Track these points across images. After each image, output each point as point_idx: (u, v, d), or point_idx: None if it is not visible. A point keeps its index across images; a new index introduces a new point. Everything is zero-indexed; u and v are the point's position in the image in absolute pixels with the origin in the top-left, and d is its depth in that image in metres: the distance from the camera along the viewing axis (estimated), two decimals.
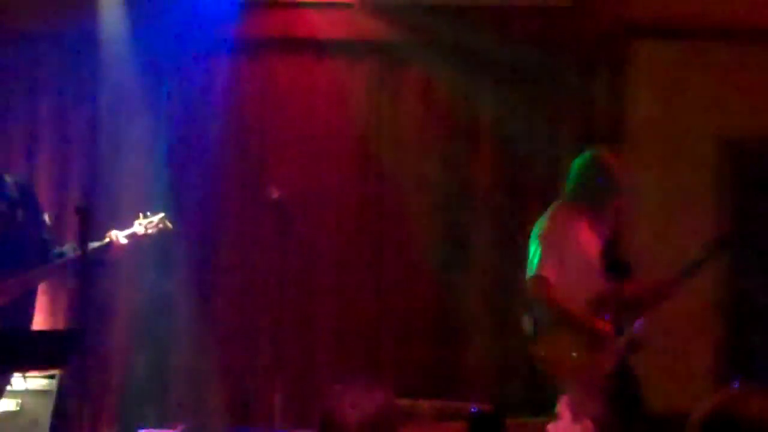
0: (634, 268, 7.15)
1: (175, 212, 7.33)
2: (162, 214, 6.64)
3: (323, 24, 9.00)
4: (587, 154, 7.29)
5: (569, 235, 7.18)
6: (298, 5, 8.96)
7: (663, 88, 8.67)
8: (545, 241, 7.13)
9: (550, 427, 5.09)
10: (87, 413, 6.55)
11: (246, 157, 8.94)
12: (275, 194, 7.37)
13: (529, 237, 7.14)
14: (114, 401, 8.05)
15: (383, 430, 4.05)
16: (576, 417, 5.03)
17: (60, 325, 7.77)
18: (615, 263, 7.17)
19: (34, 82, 8.76)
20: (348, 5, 8.98)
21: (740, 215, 8.72)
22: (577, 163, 7.25)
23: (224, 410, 8.23)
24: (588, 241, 7.20)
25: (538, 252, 7.06)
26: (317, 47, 9.06)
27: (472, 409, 6.88)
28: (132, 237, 6.46)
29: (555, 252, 7.08)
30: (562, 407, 5.08)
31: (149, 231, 6.52)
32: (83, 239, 5.97)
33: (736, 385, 7.67)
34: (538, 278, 7.01)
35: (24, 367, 6.32)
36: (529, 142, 8.80)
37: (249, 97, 9.07)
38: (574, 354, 6.83)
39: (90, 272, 6.29)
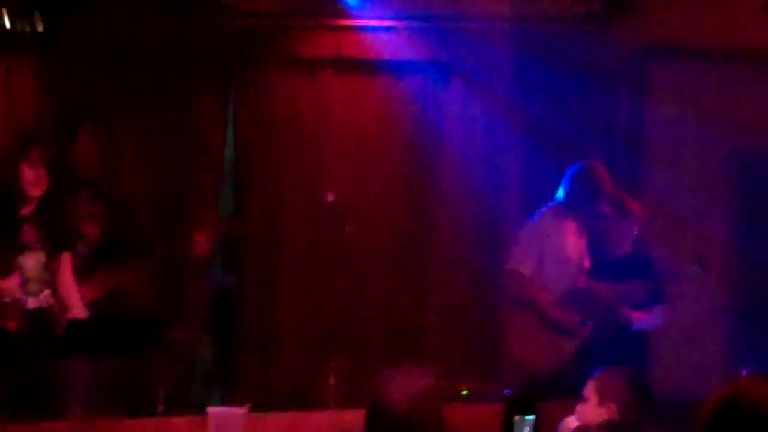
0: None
1: (242, 211, 7.42)
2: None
3: (371, 45, 9.06)
4: (579, 164, 7.44)
5: (551, 234, 7.36)
6: (349, 29, 9.01)
7: (679, 102, 8.63)
8: (526, 237, 7.37)
9: (578, 407, 5.11)
10: (161, 395, 6.58)
11: (306, 164, 8.93)
12: (330, 197, 7.52)
13: None
14: (185, 384, 8.11)
15: (427, 410, 4.18)
16: (602, 400, 5.06)
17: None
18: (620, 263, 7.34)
19: None
20: (393, 29, 9.05)
21: (749, 221, 8.74)
22: (569, 172, 7.40)
23: (285, 391, 8.25)
24: (570, 241, 7.37)
25: (520, 246, 7.35)
26: (366, 66, 9.13)
27: (506, 392, 6.96)
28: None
29: (534, 249, 7.30)
30: (590, 390, 5.11)
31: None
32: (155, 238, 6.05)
33: (744, 373, 7.78)
34: (513, 272, 7.30)
35: (109, 354, 6.39)
36: (556, 152, 8.66)
37: (308, 111, 9.07)
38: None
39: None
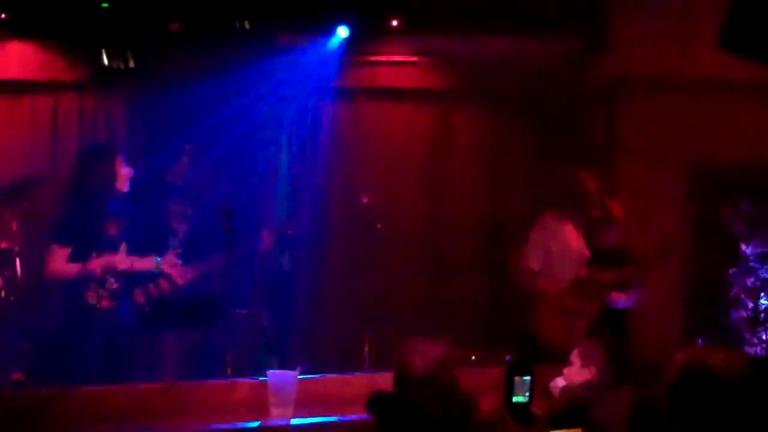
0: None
1: (296, 212, 7.44)
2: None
3: (396, 77, 9.09)
4: (571, 174, 7.42)
5: (555, 234, 7.37)
6: (378, 63, 9.06)
7: (646, 125, 8.62)
8: (534, 239, 7.37)
9: (565, 370, 5.11)
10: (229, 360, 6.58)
11: (344, 172, 8.98)
12: (365, 200, 7.52)
13: None
14: (249, 351, 8.05)
15: (443, 372, 4.21)
16: (584, 363, 5.06)
17: None
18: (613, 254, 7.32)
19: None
20: (414, 63, 9.06)
21: (703, 222, 8.78)
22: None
23: (329, 356, 8.30)
24: (571, 239, 7.37)
25: (530, 247, 7.35)
26: (392, 94, 9.16)
27: (507, 358, 6.95)
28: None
29: (541, 248, 7.31)
30: (574, 356, 5.11)
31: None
32: (229, 234, 6.03)
33: (699, 342, 7.78)
34: (525, 269, 7.32)
35: (182, 327, 6.41)
36: (546, 163, 8.68)
37: (345, 129, 9.12)
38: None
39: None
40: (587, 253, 7.40)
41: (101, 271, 5.89)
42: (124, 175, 6.07)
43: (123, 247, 6.00)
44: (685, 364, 2.71)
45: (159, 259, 6.22)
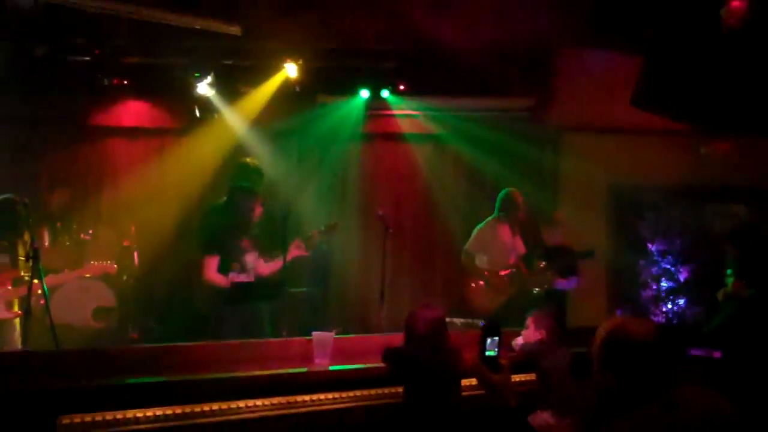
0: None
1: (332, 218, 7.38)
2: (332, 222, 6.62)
3: (403, 125, 9.09)
4: (504, 190, 7.43)
5: (492, 234, 7.32)
6: (390, 116, 9.04)
7: (581, 158, 8.57)
8: (477, 234, 7.36)
9: (523, 332, 5.08)
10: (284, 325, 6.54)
11: (365, 192, 8.97)
12: (380, 212, 7.48)
13: None
14: (298, 317, 8.02)
15: (438, 333, 4.20)
16: (536, 327, 5.02)
17: None
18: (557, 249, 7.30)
19: None
20: (416, 115, 9.03)
21: (620, 227, 8.78)
22: (499, 195, 7.41)
23: (356, 321, 8.23)
24: (506, 238, 7.29)
25: (471, 240, 7.33)
26: (400, 138, 9.14)
27: (481, 323, 6.92)
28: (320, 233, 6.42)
29: (479, 242, 7.31)
30: (529, 321, 5.07)
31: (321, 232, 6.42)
32: (283, 237, 6.12)
33: (619, 312, 7.69)
34: (465, 252, 7.34)
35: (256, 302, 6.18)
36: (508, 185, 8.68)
37: (367, 162, 9.13)
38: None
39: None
40: (522, 249, 7.34)
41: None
42: (259, 210, 6.07)
43: (252, 254, 5.98)
44: (610, 328, 2.68)
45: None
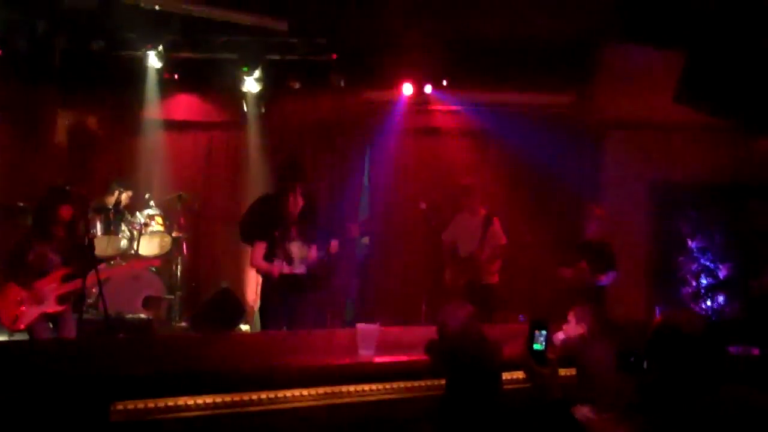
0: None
1: (375, 213, 7.38)
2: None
3: (445, 120, 9.07)
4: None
5: (459, 225, 7.32)
6: (432, 111, 9.03)
7: (622, 154, 8.51)
8: (450, 224, 7.35)
9: (564, 326, 5.00)
10: (329, 316, 6.52)
11: (408, 185, 8.91)
12: (423, 206, 7.46)
13: None
14: (341, 308, 8.03)
15: (473, 328, 4.15)
16: (577, 321, 4.94)
17: None
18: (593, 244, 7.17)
19: None
20: (457, 111, 8.99)
21: (661, 223, 8.66)
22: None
23: (397, 315, 8.02)
24: (473, 228, 7.22)
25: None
26: (442, 132, 9.12)
27: (521, 318, 6.83)
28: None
29: (450, 229, 7.31)
30: (570, 316, 4.99)
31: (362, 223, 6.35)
32: (326, 229, 6.04)
33: (658, 309, 7.51)
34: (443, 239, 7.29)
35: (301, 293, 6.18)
36: (549, 188, 8.69)
37: (409, 156, 9.10)
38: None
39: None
40: (502, 240, 7.28)
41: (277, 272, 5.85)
42: (295, 201, 6.03)
43: (296, 243, 5.96)
44: (661, 322, 2.66)
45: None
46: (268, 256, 5.86)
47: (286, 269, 5.85)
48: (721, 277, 8.50)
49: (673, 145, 8.35)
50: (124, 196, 8.15)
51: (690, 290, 8.59)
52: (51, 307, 5.83)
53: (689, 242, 8.61)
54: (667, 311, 2.75)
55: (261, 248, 5.85)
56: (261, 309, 5.94)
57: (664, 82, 6.80)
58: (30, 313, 5.77)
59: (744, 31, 5.95)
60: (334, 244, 6.08)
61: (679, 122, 7.86)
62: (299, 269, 5.90)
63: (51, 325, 5.93)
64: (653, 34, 7.50)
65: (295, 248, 6.04)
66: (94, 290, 6.76)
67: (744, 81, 6.15)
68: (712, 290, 8.52)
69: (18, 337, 6.53)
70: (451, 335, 4.05)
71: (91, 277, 5.83)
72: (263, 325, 5.68)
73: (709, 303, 8.49)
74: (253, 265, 5.94)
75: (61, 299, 5.84)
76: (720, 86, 6.32)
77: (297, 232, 6.01)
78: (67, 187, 6.24)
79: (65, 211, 5.89)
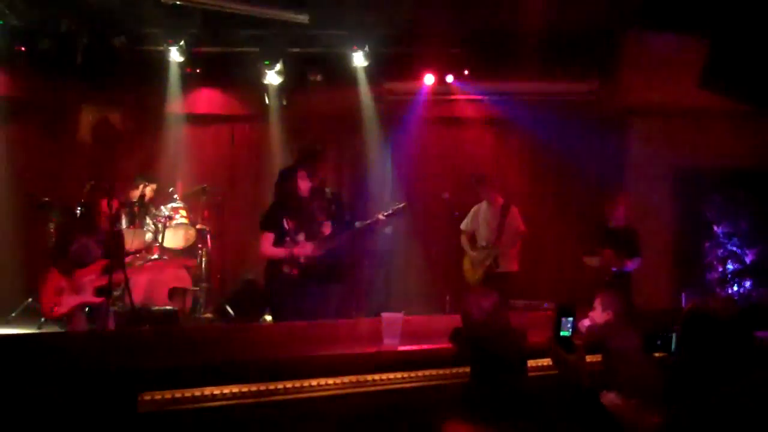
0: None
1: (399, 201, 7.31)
2: (400, 204, 6.36)
3: (467, 110, 9.06)
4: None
5: (478, 214, 7.34)
6: (454, 101, 8.98)
7: (647, 141, 8.44)
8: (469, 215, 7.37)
9: (590, 313, 4.96)
10: (354, 306, 6.51)
11: (431, 175, 8.88)
12: (446, 195, 7.44)
13: None
14: (364, 298, 8.07)
15: (495, 316, 4.10)
16: (603, 308, 4.90)
17: None
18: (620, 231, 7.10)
19: None
20: (479, 100, 8.95)
21: (687, 209, 8.58)
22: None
23: (423, 302, 8.02)
24: (491, 216, 7.25)
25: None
26: (464, 122, 9.13)
27: (545, 305, 6.79)
28: (387, 216, 6.22)
29: (468, 221, 7.34)
30: (596, 302, 4.94)
31: (388, 214, 6.22)
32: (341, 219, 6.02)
33: (684, 295, 7.41)
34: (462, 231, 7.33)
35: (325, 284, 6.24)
36: (572, 176, 8.65)
37: (432, 146, 9.08)
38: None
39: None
40: (521, 228, 7.25)
41: (289, 255, 5.81)
42: (302, 185, 5.98)
43: (302, 234, 5.94)
44: (693, 307, 2.62)
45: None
46: (277, 242, 5.84)
47: (301, 249, 5.78)
48: (748, 262, 8.42)
49: (698, 131, 8.27)
50: (148, 190, 8.19)
51: (716, 276, 8.52)
52: (89, 297, 6.02)
53: (715, 228, 8.54)
54: (698, 297, 2.72)
55: (269, 238, 5.83)
56: (282, 299, 5.89)
57: (688, 68, 6.74)
58: (68, 302, 6.00)
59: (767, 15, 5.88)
60: (347, 235, 6.01)
61: (703, 108, 7.80)
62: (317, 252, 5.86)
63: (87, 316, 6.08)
64: (676, 20, 7.44)
65: (302, 238, 6.00)
66: (122, 284, 6.83)
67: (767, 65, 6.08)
68: (738, 275, 8.45)
69: (47, 329, 6.65)
70: (475, 323, 4.02)
71: (118, 270, 5.92)
72: (284, 315, 5.63)
73: (735, 288, 8.42)
74: (264, 254, 5.91)
75: (99, 291, 6.00)
76: (744, 71, 6.26)
77: (306, 217, 5.95)
78: (93, 183, 6.36)
79: (107, 205, 6.11)
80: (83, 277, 6.02)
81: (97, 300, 5.99)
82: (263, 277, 5.98)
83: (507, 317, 4.09)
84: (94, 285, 6.02)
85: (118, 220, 7.34)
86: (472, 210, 7.42)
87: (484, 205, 7.35)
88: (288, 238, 5.75)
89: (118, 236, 6.30)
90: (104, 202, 6.14)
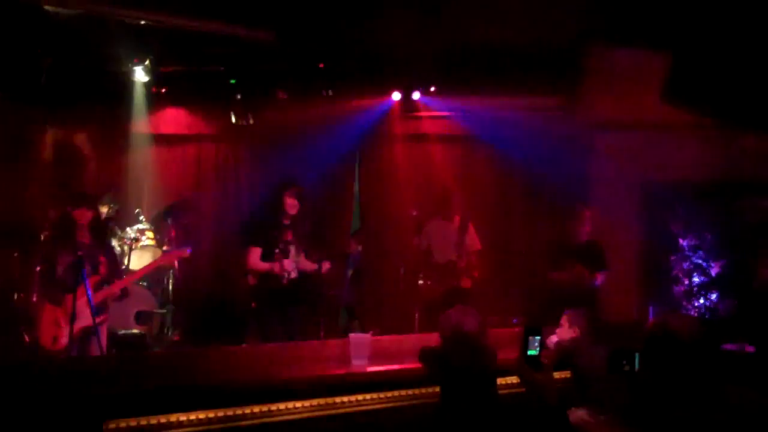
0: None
1: (366, 221, 7.34)
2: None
3: (434, 126, 9.06)
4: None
5: (434, 231, 7.36)
6: (421, 117, 8.99)
7: (612, 155, 8.50)
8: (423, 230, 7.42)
9: (557, 330, 4.99)
10: (322, 326, 6.49)
11: (398, 192, 8.78)
12: (414, 213, 7.44)
13: None
14: (334, 318, 7.97)
15: (472, 334, 4.10)
16: (570, 325, 4.94)
17: None
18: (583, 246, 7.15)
19: None
20: (446, 116, 8.99)
21: (652, 222, 8.66)
22: None
23: (391, 322, 7.86)
24: (449, 234, 7.31)
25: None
26: (431, 138, 9.09)
27: (514, 320, 6.81)
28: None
29: (424, 236, 7.36)
30: (563, 319, 4.99)
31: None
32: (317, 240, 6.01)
33: (651, 308, 7.46)
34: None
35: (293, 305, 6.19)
36: (539, 191, 8.70)
37: (400, 163, 8.97)
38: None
39: None
40: (477, 246, 7.32)
41: (279, 269, 5.83)
42: (290, 203, 6.01)
43: (293, 249, 5.95)
44: (654, 326, 2.65)
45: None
46: (266, 258, 5.85)
47: (287, 265, 5.84)
48: (713, 274, 8.51)
49: (662, 145, 8.34)
50: (112, 211, 8.10)
51: (683, 289, 8.59)
52: (87, 320, 5.50)
53: (681, 241, 8.62)
54: (660, 314, 2.75)
55: (257, 252, 5.85)
56: (257, 315, 5.91)
57: (653, 82, 6.81)
58: (67, 331, 5.44)
59: (729, 29, 5.97)
60: (326, 265, 6.07)
61: (667, 122, 7.88)
62: (293, 273, 5.90)
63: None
64: (638, 36, 7.55)
65: (291, 251, 6.04)
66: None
67: (730, 78, 6.17)
68: (704, 288, 8.52)
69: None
70: (450, 341, 4.02)
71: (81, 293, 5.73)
72: (254, 337, 5.66)
73: (702, 301, 8.49)
74: (250, 268, 5.91)
75: (95, 310, 5.52)
76: (706, 84, 6.35)
77: (292, 235, 6.01)
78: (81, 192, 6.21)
79: (81, 215, 5.76)
80: (77, 301, 5.39)
81: (97, 320, 5.53)
82: (235, 297, 6.00)
83: (482, 335, 4.10)
84: (88, 306, 5.47)
85: (106, 233, 7.03)
86: (426, 227, 7.42)
87: (439, 221, 7.35)
88: (278, 252, 5.80)
89: (109, 249, 6.06)
90: (78, 212, 5.76)
